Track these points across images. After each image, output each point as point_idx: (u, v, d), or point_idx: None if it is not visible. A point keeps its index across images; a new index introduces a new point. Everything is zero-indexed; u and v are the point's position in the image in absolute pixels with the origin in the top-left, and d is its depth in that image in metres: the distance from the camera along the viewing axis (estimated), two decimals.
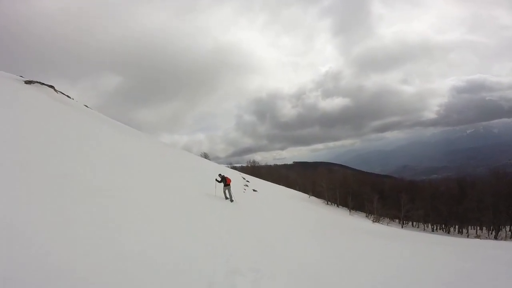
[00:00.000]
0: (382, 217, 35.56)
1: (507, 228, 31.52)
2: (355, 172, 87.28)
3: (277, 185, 45.30)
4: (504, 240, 27.55)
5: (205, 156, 58.99)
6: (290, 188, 47.72)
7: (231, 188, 14.39)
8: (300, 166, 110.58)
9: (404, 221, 37.14)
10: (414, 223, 38.53)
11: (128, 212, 6.15)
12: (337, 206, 39.54)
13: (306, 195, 41.73)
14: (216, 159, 76.08)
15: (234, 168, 60.56)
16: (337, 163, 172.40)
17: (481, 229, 34.19)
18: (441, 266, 8.90)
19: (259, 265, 5.53)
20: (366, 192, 39.52)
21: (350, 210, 37.18)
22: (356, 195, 38.99)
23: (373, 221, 32.17)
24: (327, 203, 39.76)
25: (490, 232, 32.14)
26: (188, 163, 25.47)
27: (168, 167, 17.49)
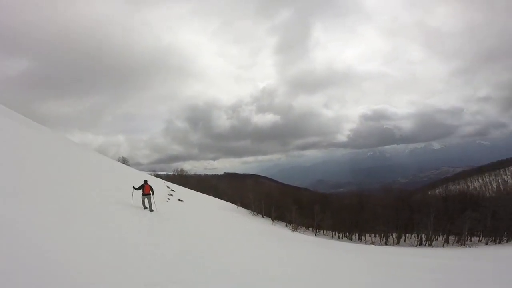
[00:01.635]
0: (300, 226, 38.74)
1: (394, 235, 38.28)
2: (278, 185, 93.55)
3: (205, 195, 44.15)
4: (392, 245, 33.88)
5: (124, 161, 52.90)
6: (219, 198, 47.20)
7: (151, 197, 13.18)
8: (230, 177, 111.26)
9: (317, 230, 41.38)
10: (325, 231, 43.36)
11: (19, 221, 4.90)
12: (262, 216, 41.16)
13: (234, 206, 42.01)
14: (137, 166, 68.89)
15: (158, 176, 56.11)
16: (264, 175, 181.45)
17: (375, 236, 40.27)
18: (333, 264, 10.24)
19: (182, 276, 5.27)
20: (286, 203, 42.45)
21: (273, 220, 39.17)
22: (279, 206, 41.47)
23: (292, 230, 34.75)
24: (253, 214, 40.94)
25: (382, 238, 38.22)
26: (100, 167, 22.16)
27: (72, 170, 14.75)
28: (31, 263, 3.85)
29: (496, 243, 30.99)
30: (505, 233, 31.54)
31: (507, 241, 30.84)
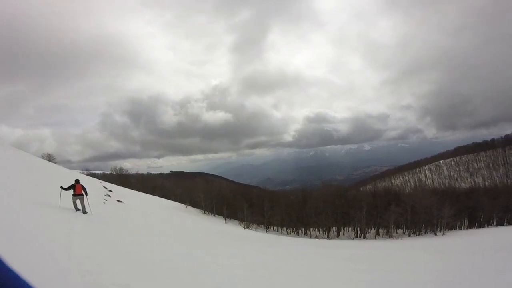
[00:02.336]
0: (251, 223, 39.27)
1: (334, 228, 41.51)
2: (229, 183, 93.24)
3: (150, 195, 41.08)
4: (333, 238, 36.77)
5: (49, 158, 45.57)
6: (166, 198, 44.45)
7: (85, 198, 11.59)
8: (178, 176, 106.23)
9: (267, 226, 42.54)
10: (275, 227, 44.86)
11: None
12: (214, 215, 40.36)
13: (183, 205, 40.12)
14: (67, 163, 60.16)
15: (93, 175, 50.03)
16: (215, 174, 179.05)
17: (318, 230, 43.00)
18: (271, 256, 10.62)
19: (126, 278, 4.84)
20: (238, 201, 42.53)
21: (225, 218, 38.78)
22: (231, 204, 41.26)
23: (244, 228, 34.98)
24: (204, 213, 39.82)
25: (324, 232, 41.05)
26: (19, 165, 18.55)
27: None
28: None
29: (416, 235, 35.85)
30: (423, 225, 36.61)
31: (425, 233, 35.94)
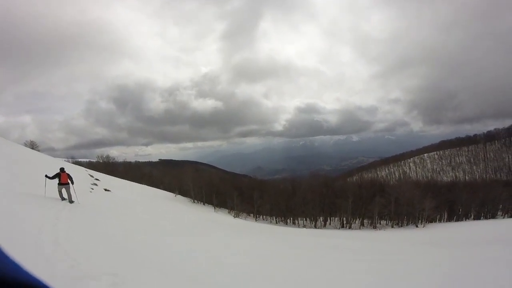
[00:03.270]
0: (241, 212, 39.71)
1: (321, 218, 42.41)
2: (219, 172, 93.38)
3: (137, 184, 40.58)
4: (320, 228, 37.62)
5: (32, 145, 44.01)
6: (154, 187, 44.07)
7: (71, 187, 11.37)
8: (167, 164, 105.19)
9: (257, 215, 43.15)
10: (264, 216, 45.55)
11: None
12: (203, 204, 40.45)
13: (172, 194, 39.91)
14: (50, 151, 58.30)
15: (78, 163, 48.78)
16: (205, 162, 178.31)
17: (306, 219, 43.73)
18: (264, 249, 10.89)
19: (115, 269, 4.78)
20: (228, 190, 42.73)
21: (215, 207, 38.97)
22: (220, 193, 41.41)
23: (234, 216, 35.33)
24: (194, 201, 39.82)
25: (312, 222, 41.80)
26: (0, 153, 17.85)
27: None
28: None
29: (399, 226, 36.99)
30: (405, 217, 37.80)
31: (407, 225, 37.17)
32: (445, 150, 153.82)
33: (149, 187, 42.11)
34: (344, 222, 40.08)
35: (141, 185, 40.85)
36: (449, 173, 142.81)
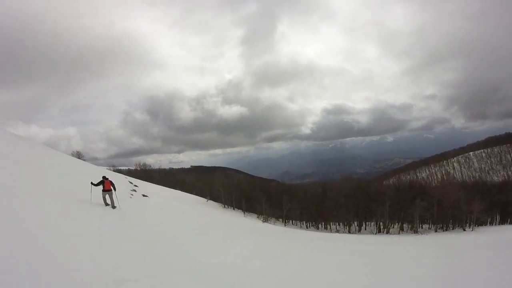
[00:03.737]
0: (270, 217, 39.53)
1: (356, 223, 40.71)
2: (247, 177, 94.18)
3: (172, 189, 42.56)
4: (354, 233, 36.08)
5: (78, 155, 48.47)
6: (187, 192, 45.83)
7: (113, 193, 12.26)
8: (198, 170, 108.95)
9: (286, 220, 42.61)
10: (293, 221, 44.82)
11: None
12: (233, 208, 41.08)
13: (203, 199, 41.20)
14: (94, 160, 63.58)
15: (119, 171, 52.55)
16: (233, 168, 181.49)
17: (339, 224, 42.36)
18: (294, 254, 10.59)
19: (154, 271, 5.10)
20: (256, 195, 42.85)
21: (244, 212, 39.32)
22: (249, 198, 41.69)
23: (263, 221, 35.31)
24: (224, 206, 40.63)
25: (345, 227, 40.30)
26: (52, 163, 19.90)
27: (20, 168, 12.97)
28: None
29: (443, 230, 34.22)
30: (450, 220, 34.92)
31: (452, 228, 34.25)
32: (494, 147, 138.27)
33: (183, 192, 43.84)
34: (381, 227, 37.86)
35: (175, 190, 42.74)
36: (500, 172, 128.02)
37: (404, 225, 37.79)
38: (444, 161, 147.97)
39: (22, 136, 30.33)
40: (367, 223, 41.87)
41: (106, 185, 12.09)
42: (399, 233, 35.22)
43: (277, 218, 42.12)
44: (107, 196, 12.20)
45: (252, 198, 41.93)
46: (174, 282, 4.94)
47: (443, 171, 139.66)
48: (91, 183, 12.13)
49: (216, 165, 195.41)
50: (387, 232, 36.08)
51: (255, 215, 40.24)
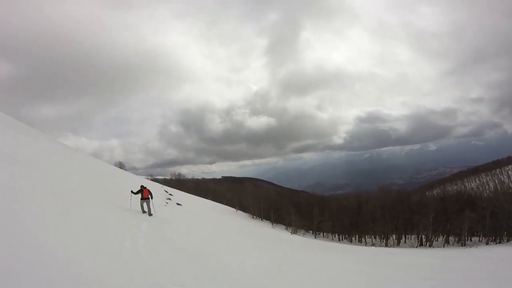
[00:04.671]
0: (299, 229, 38.58)
1: (394, 236, 38.19)
2: (277, 188, 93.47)
3: (204, 199, 43.87)
4: (392, 247, 33.80)
5: (120, 165, 52.57)
6: (218, 202, 46.90)
7: (150, 202, 13.00)
8: (228, 181, 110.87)
9: (316, 232, 41.23)
10: (325, 233, 43.18)
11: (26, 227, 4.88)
12: (261, 219, 40.95)
13: (233, 209, 41.79)
14: (133, 170, 68.16)
15: (156, 180, 55.73)
16: (262, 179, 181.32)
17: (375, 237, 40.27)
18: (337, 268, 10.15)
19: (183, 278, 5.25)
20: (285, 206, 42.33)
21: (272, 223, 38.95)
22: (278, 209, 41.32)
23: (292, 233, 34.58)
24: (253, 217, 40.71)
25: (382, 240, 38.22)
26: (97, 171, 21.93)
27: (72, 175, 14.57)
28: (33, 264, 3.88)
29: (496, 243, 30.94)
30: (505, 232, 31.45)
31: (507, 241, 30.76)
32: None
33: (214, 202, 44.92)
34: (423, 239, 34.93)
35: (207, 200, 43.98)
36: None
37: (450, 237, 34.73)
38: (497, 169, 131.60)
39: (72, 147, 33.89)
40: (407, 236, 38.99)
41: (144, 194, 12.81)
42: (444, 246, 32.30)
43: (306, 230, 40.99)
44: (144, 204, 12.83)
45: (281, 209, 41.50)
46: None
47: (496, 180, 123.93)
48: (131, 191, 13.04)
49: (246, 176, 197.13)
50: (430, 245, 33.19)
51: (283, 226, 39.60)
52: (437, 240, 35.55)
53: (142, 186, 13.19)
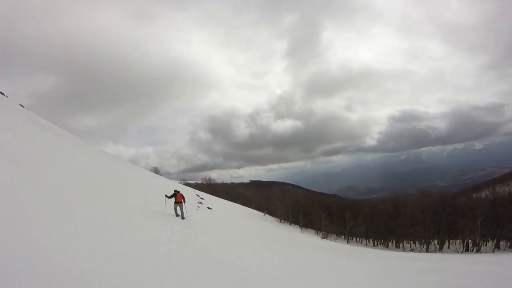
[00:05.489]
0: (330, 234, 37.35)
1: (436, 241, 35.47)
2: (305, 192, 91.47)
3: (233, 203, 44.58)
4: (434, 252, 31.31)
5: (155, 170, 55.63)
6: (246, 206, 47.35)
7: (183, 205, 13.50)
8: (256, 185, 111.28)
9: (349, 237, 39.55)
10: (358, 238, 41.25)
11: (63, 230, 5.45)
12: (290, 224, 40.39)
13: (261, 213, 41.82)
14: (167, 175, 71.73)
15: (188, 184, 58.02)
16: (290, 182, 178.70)
17: (414, 243, 37.68)
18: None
19: (213, 283, 5.35)
20: (315, 210, 41.29)
21: (301, 228, 38.23)
22: (307, 213, 40.44)
23: (322, 238, 33.60)
24: (281, 221, 40.33)
25: (422, 245, 35.68)
26: (135, 177, 23.57)
27: (113, 179, 15.91)
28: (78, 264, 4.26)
29: None
30: None
31: None
32: None
33: (242, 206, 45.38)
34: (470, 245, 31.90)
35: (235, 204, 44.63)
36: None
37: (500, 242, 31.54)
38: None
39: (113, 154, 36.66)
40: (450, 241, 35.88)
41: (177, 198, 13.28)
42: (493, 252, 29.20)
43: (338, 234, 39.51)
44: (178, 208, 13.31)
45: (311, 214, 40.56)
46: None
47: None
48: (166, 195, 13.64)
49: (274, 180, 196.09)
50: (478, 251, 30.18)
51: (313, 231, 38.60)
52: (485, 245, 32.30)
53: (175, 191, 13.72)
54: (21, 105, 23.34)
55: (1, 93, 21.32)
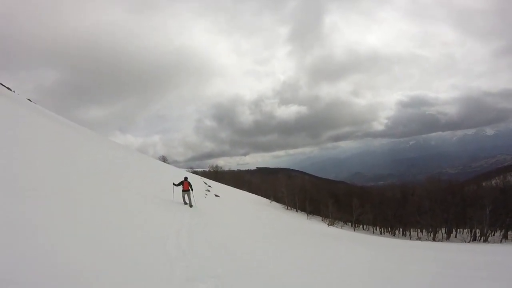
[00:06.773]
0: (336, 221, 37.70)
1: (443, 230, 35.12)
2: (312, 178, 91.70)
3: (240, 190, 45.16)
4: (441, 241, 31.26)
5: (164, 159, 56.45)
6: (253, 193, 47.96)
7: (191, 193, 13.76)
8: (263, 172, 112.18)
9: (356, 225, 39.87)
10: (365, 226, 41.54)
11: (72, 217, 5.64)
12: (296, 210, 40.86)
13: (267, 200, 42.31)
14: (175, 163, 72.73)
15: (195, 172, 58.89)
16: (297, 169, 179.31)
17: (421, 231, 37.62)
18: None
19: (219, 271, 5.39)
20: (322, 197, 41.49)
21: (308, 215, 38.66)
22: (313, 200, 40.71)
23: (329, 225, 33.96)
24: (287, 208, 40.80)
25: (429, 234, 35.54)
26: (144, 166, 24.01)
27: (121, 168, 16.26)
28: (92, 251, 4.42)
29: None
30: None
31: None
32: None
33: (249, 193, 45.97)
34: (477, 234, 31.81)
35: (242, 191, 45.23)
36: None
37: (509, 232, 31.30)
38: None
39: (122, 144, 37.26)
40: (458, 230, 35.75)
41: (184, 186, 13.53)
42: (501, 242, 29.09)
43: (345, 222, 39.84)
44: (185, 196, 13.59)
45: (317, 200, 40.82)
46: (236, 283, 5.10)
47: None
48: (173, 183, 13.88)
49: (280, 166, 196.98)
50: (485, 240, 30.10)
51: (319, 218, 38.98)
52: (493, 235, 32.08)
53: (185, 178, 13.84)
54: (29, 99, 23.76)
55: (9, 88, 21.67)
